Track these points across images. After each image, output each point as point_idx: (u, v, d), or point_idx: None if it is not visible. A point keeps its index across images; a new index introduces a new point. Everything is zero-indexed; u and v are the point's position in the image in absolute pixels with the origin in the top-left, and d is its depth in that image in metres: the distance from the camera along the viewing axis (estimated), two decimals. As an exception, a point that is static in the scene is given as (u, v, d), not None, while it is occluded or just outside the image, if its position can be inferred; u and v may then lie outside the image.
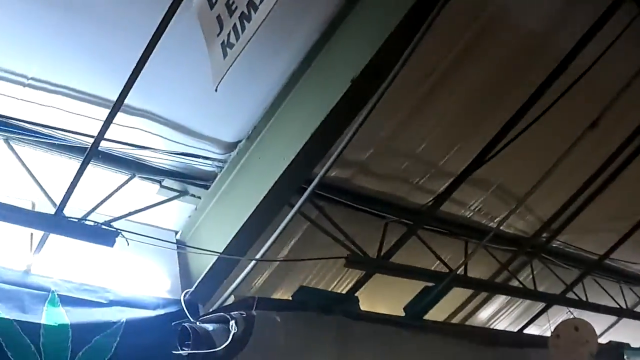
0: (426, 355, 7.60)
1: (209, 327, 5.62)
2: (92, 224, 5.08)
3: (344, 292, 8.02)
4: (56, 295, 5.52)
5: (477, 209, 8.59)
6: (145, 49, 3.98)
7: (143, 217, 6.24)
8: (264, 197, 5.45)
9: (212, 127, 5.87)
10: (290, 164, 5.24)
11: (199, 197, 6.35)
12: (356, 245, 6.93)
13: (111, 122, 4.43)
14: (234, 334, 5.50)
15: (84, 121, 5.39)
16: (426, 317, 7.99)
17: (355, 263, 6.82)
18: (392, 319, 7.66)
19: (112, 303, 5.73)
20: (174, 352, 5.43)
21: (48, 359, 5.24)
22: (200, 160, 6.01)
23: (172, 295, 6.11)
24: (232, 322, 5.54)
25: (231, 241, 5.73)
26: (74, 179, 4.70)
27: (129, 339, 5.58)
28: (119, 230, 5.11)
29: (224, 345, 5.39)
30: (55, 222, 4.96)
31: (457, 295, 9.41)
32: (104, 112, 4.98)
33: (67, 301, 5.54)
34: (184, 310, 5.81)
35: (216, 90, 3.72)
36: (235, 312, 5.80)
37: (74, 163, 5.48)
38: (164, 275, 6.28)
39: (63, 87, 5.10)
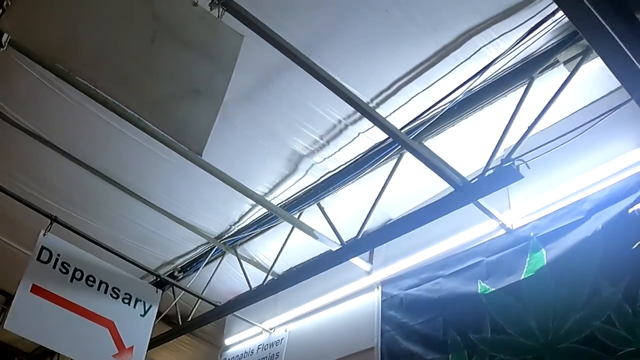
0: None
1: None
2: (491, 172, 5.56)
3: None
4: (535, 239, 5.99)
5: None
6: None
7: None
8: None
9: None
10: None
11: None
12: None
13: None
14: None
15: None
16: None
17: None
18: None
19: (589, 214, 5.65)
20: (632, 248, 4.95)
21: (533, 309, 5.71)
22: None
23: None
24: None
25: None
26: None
27: (612, 243, 5.32)
28: (514, 159, 5.28)
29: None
30: (464, 194, 5.63)
31: None
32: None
33: (546, 239, 5.90)
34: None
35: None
36: None
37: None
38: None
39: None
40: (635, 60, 4.78)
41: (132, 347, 7.64)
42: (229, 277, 8.54)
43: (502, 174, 5.32)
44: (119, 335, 7.51)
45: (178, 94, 4.27)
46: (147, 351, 8.49)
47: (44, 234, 7.26)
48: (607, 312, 5.23)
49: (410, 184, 6.96)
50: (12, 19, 3.83)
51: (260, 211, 7.63)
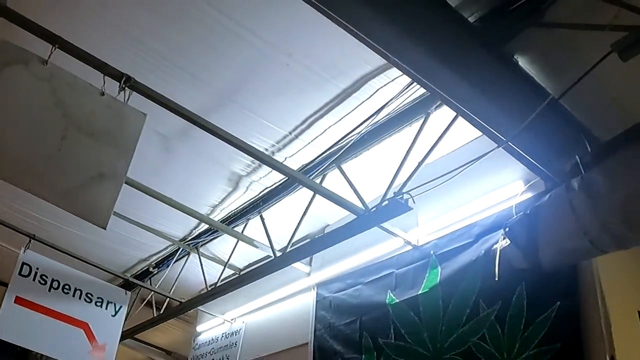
0: None
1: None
2: (386, 203, 5.96)
3: None
4: (434, 257, 6.39)
5: None
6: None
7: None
8: None
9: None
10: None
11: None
12: None
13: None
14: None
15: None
16: None
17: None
18: None
19: (477, 238, 5.97)
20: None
21: (426, 322, 6.18)
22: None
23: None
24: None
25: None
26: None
27: (491, 269, 5.47)
28: (403, 192, 5.64)
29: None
30: (365, 221, 6.10)
31: None
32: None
33: (442, 258, 6.30)
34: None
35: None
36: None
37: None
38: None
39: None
40: (480, 120, 5.16)
41: (105, 343, 8.40)
42: (198, 270, 9.04)
43: (393, 206, 5.77)
44: (93, 335, 8.24)
45: (85, 180, 4.67)
46: (139, 334, 9.43)
47: (24, 251, 8.03)
48: (483, 331, 5.65)
49: (343, 192, 7.45)
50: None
51: (218, 217, 8.14)
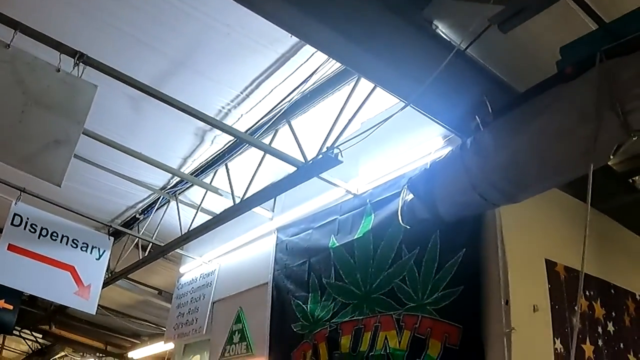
0: None
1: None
2: (320, 157, 6.38)
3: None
4: (370, 205, 6.80)
5: None
6: None
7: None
8: None
9: None
10: None
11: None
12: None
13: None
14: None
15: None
16: None
17: None
18: None
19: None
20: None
21: (359, 264, 6.67)
22: None
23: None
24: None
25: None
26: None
27: (412, 217, 5.79)
28: (334, 147, 6.06)
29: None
30: (304, 172, 6.54)
31: None
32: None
33: (376, 206, 6.72)
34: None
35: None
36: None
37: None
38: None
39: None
40: (385, 87, 5.51)
41: (90, 284, 9.05)
42: (181, 215, 9.58)
43: (326, 159, 6.23)
44: (78, 276, 8.86)
45: (43, 147, 5.20)
46: (133, 273, 10.25)
47: (16, 203, 8.63)
48: (404, 273, 6.11)
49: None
50: None
51: (190, 168, 8.67)
